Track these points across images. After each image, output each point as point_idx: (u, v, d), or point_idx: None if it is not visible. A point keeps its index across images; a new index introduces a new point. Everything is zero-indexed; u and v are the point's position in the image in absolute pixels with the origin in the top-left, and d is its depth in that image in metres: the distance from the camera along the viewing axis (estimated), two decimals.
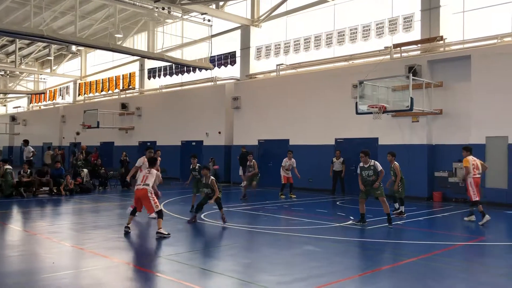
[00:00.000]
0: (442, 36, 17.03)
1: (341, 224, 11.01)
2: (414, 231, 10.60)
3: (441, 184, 16.61)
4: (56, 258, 7.70)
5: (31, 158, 21.00)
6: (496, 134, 15.31)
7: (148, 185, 9.62)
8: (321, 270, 6.96)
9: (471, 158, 11.76)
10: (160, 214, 9.57)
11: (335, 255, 8.01)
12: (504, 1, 16.23)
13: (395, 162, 12.62)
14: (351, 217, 11.70)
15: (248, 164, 16.62)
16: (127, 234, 9.58)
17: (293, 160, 17.01)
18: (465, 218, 11.83)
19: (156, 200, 9.72)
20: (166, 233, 9.40)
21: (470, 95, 15.98)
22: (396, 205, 12.75)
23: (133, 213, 10.01)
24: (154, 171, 10.01)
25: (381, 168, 10.88)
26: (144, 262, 7.54)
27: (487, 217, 11.07)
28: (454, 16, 17.43)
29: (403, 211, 12.54)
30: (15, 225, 11.25)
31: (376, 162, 10.96)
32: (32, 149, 22.24)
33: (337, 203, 15.88)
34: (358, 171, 11.03)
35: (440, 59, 16.84)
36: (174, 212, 12.71)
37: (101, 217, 12.48)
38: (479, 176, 11.74)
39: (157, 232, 9.36)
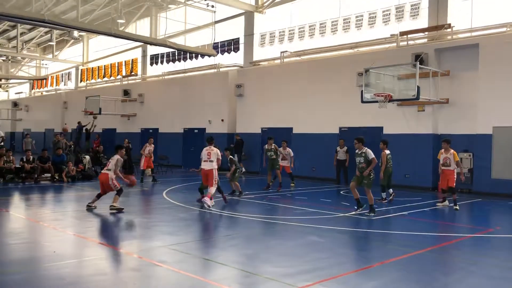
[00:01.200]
0: (450, 24, 16.73)
1: (345, 214, 10.87)
2: (420, 222, 10.47)
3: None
4: (58, 246, 7.60)
5: (1, 143, 20.94)
6: (503, 124, 15.11)
7: (110, 170, 10.88)
8: (327, 262, 6.83)
9: None
10: (119, 191, 10.93)
11: (340, 246, 7.89)
12: None
13: (386, 150, 13.04)
14: (356, 207, 11.55)
15: (267, 147, 15.85)
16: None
17: (288, 149, 16.49)
18: (455, 207, 12.11)
19: (116, 184, 10.91)
20: (120, 207, 10.77)
21: (477, 84, 15.73)
22: (390, 190, 13.16)
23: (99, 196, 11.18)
24: (116, 157, 11.03)
25: (373, 156, 10.83)
26: (146, 252, 7.42)
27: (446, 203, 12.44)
28: (462, 3, 17.09)
29: (384, 197, 13.10)
30: (17, 212, 11.15)
31: (368, 150, 10.91)
32: (2, 134, 22.23)
33: (341, 192, 15.74)
34: (355, 157, 11.27)
35: (448, 48, 16.56)
36: (176, 201, 12.60)
37: (103, 204, 12.35)
38: None
39: (111, 206, 10.72)
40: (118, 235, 8.69)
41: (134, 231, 9.14)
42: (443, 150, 12.48)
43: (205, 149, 11.83)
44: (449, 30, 16.78)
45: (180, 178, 19.76)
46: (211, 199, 11.40)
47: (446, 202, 12.43)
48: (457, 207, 12.01)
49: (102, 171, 11.31)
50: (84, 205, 11.20)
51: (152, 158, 18.04)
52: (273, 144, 15.79)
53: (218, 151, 11.86)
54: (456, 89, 16.42)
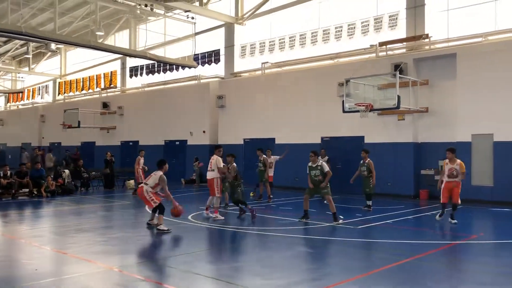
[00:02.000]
0: (427, 34, 17.04)
1: (331, 224, 10.85)
2: (405, 230, 10.52)
3: (427, 182, 16.62)
4: (38, 264, 7.36)
5: None
6: (482, 131, 15.39)
7: (147, 184, 9.99)
8: (317, 272, 6.78)
9: None
10: (160, 209, 9.92)
11: (329, 257, 7.84)
12: (487, 0, 16.30)
13: (369, 159, 13.37)
14: (341, 216, 11.56)
15: (260, 159, 15.88)
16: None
17: (272, 157, 16.33)
18: (453, 221, 10.91)
19: (154, 197, 9.97)
20: (166, 228, 9.75)
21: (455, 93, 16.03)
22: (370, 202, 13.39)
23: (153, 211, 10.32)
24: (159, 173, 10.08)
25: (328, 169, 11.27)
26: (130, 267, 7.24)
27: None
28: (439, 14, 17.45)
29: (370, 205, 13.27)
30: None
31: (323, 163, 11.38)
32: None
33: (325, 202, 15.69)
34: (307, 170, 11.47)
35: (426, 57, 16.87)
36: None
37: (84, 219, 12.09)
38: None
39: (157, 229, 9.78)
40: (100, 250, 8.46)
41: (118, 245, 8.91)
42: (447, 160, 11.06)
43: (211, 158, 11.92)
44: (426, 40, 17.09)
45: None
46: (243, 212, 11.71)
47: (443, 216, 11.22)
48: (455, 221, 10.83)
49: (140, 185, 10.42)
50: (65, 220, 10.93)
51: (146, 169, 17.84)
52: (263, 156, 15.78)
53: (219, 159, 11.69)
54: (435, 98, 16.69)
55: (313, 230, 10.26)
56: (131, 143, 27.53)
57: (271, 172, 16.38)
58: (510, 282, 6.32)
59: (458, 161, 10.99)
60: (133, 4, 20.87)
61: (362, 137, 18.02)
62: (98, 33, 22.82)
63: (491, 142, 15.23)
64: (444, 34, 17.23)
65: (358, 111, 15.73)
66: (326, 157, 17.86)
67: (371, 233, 10.20)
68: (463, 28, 16.68)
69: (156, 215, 10.12)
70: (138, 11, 22.85)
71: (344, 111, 16.23)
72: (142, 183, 10.52)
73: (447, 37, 17.10)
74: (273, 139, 20.74)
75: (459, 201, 10.97)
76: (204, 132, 23.70)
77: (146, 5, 21.18)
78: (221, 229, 10.42)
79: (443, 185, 11.06)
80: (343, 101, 16.13)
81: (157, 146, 25.71)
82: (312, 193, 11.48)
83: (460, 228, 10.71)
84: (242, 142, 22.16)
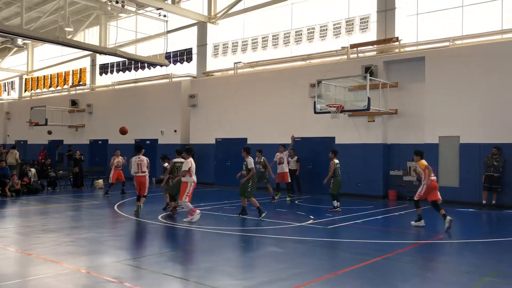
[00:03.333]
0: (397, 37, 17.36)
1: (302, 224, 10.93)
2: (374, 230, 10.68)
3: (396, 182, 16.94)
4: (1, 265, 7.13)
5: None
6: (449, 134, 15.77)
7: (145, 172, 12.38)
8: (287, 272, 6.80)
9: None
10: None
11: (299, 256, 7.88)
12: (455, 5, 16.73)
13: (334, 160, 13.29)
14: (311, 216, 11.66)
15: (257, 160, 15.53)
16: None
17: (284, 152, 16.60)
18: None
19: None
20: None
21: (424, 95, 16.38)
22: (335, 203, 13.21)
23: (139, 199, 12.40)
24: (142, 157, 12.60)
25: (252, 166, 11.63)
26: (98, 268, 7.10)
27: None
28: (408, 18, 17.80)
29: (336, 206, 13.14)
30: None
31: (250, 159, 11.69)
32: None
33: (296, 202, 15.85)
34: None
35: (396, 60, 17.17)
36: (129, 214, 12.22)
37: (51, 219, 11.80)
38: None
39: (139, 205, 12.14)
40: (67, 251, 8.27)
41: (85, 246, 8.72)
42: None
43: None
44: (396, 43, 17.40)
45: (131, 191, 19.22)
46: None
47: (422, 222, 10.88)
48: (449, 224, 10.22)
49: (138, 174, 12.47)
50: (30, 220, 10.62)
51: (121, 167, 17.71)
52: (262, 157, 15.70)
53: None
54: (404, 100, 17.01)
55: (284, 230, 10.30)
56: (100, 142, 27.03)
57: (286, 168, 16.47)
58: (474, 280, 6.51)
59: (419, 162, 10.82)
60: (103, 0, 20.49)
61: (333, 138, 18.22)
62: (67, 29, 22.26)
63: (457, 144, 15.63)
64: (413, 38, 17.58)
65: (329, 112, 15.88)
66: (296, 157, 18.03)
67: (340, 233, 10.32)
68: (432, 32, 17.07)
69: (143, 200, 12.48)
70: (109, 8, 22.42)
71: (315, 112, 16.36)
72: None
73: (416, 40, 17.45)
74: (245, 139, 20.73)
75: (432, 199, 10.62)
76: (175, 131, 23.49)
77: (117, 2, 20.82)
78: (190, 229, 10.34)
79: None
80: (314, 102, 16.27)
81: (127, 145, 25.27)
82: (242, 191, 11.77)
83: (427, 228, 10.95)
84: (213, 142, 22.07)
